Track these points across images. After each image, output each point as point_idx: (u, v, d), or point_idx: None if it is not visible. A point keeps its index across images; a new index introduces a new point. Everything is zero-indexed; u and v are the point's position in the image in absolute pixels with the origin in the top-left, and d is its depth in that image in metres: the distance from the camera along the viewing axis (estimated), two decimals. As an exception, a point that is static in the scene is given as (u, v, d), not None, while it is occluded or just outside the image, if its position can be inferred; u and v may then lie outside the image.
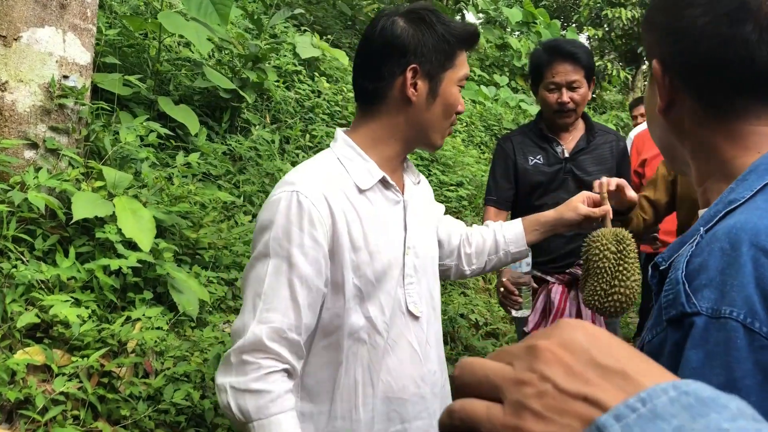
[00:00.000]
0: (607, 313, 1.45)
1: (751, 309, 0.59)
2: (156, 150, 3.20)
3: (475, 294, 4.28)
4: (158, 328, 2.39)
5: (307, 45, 5.45)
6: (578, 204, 1.58)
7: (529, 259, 1.84)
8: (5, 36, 2.62)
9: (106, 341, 2.25)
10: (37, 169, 2.55)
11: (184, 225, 2.94)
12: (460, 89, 1.40)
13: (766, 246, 0.61)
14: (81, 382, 2.12)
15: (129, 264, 2.39)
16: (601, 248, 1.43)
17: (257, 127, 4.31)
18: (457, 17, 9.18)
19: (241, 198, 3.63)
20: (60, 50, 2.73)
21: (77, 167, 2.69)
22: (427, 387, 1.39)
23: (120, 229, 2.43)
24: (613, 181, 1.64)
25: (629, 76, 12.25)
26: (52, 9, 2.70)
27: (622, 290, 1.41)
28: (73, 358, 2.15)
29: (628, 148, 3.29)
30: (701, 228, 0.68)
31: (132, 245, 2.50)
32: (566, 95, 2.38)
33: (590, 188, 1.71)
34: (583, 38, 12.18)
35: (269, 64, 4.74)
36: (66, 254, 2.42)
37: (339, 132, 1.41)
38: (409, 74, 1.32)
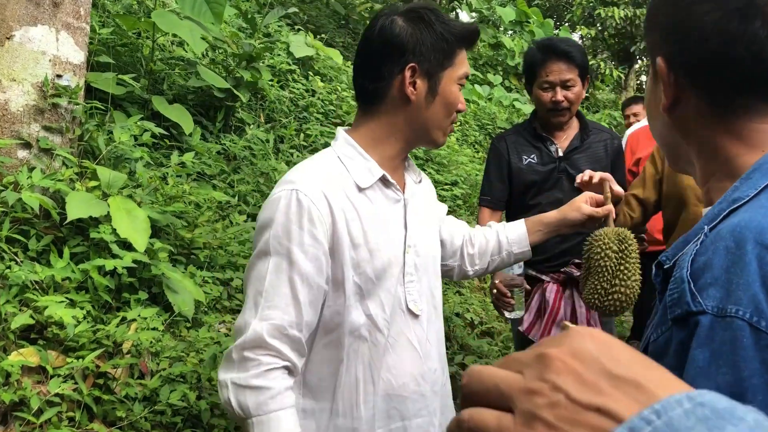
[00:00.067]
0: (607, 312, 1.46)
1: (757, 308, 0.59)
2: (150, 149, 3.18)
3: (470, 293, 4.29)
4: (153, 329, 2.37)
5: (301, 44, 5.44)
6: (581, 204, 1.59)
7: (521, 262, 1.85)
8: (-2, 35, 2.60)
9: (102, 342, 2.24)
10: (31, 169, 2.53)
11: (179, 225, 2.93)
12: (461, 88, 1.40)
13: None
14: (76, 383, 2.11)
15: (124, 264, 2.38)
16: (603, 247, 1.43)
17: (251, 126, 4.30)
18: (451, 16, 9.18)
19: (236, 197, 3.62)
20: (53, 49, 2.71)
21: (71, 167, 2.67)
22: (427, 385, 1.40)
23: (115, 229, 2.42)
24: (597, 175, 1.65)
25: (622, 75, 12.29)
26: (45, 7, 2.68)
27: (622, 289, 1.42)
28: (68, 359, 2.13)
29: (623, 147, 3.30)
30: (705, 226, 0.68)
31: (127, 245, 2.48)
32: (560, 94, 2.38)
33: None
34: (575, 37, 12.21)
35: (263, 63, 4.73)
36: (60, 255, 2.40)
37: (340, 131, 1.42)
38: (407, 73, 1.33)
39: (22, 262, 2.31)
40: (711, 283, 0.62)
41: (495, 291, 2.30)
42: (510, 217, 2.60)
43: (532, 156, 2.48)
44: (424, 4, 1.39)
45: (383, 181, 1.37)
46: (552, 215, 1.63)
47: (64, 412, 2.04)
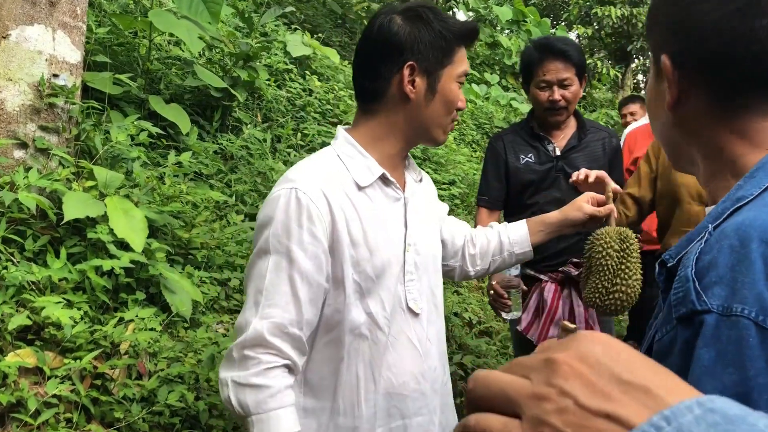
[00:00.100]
0: (607, 312, 1.46)
1: (763, 306, 0.59)
2: (147, 149, 3.17)
3: (469, 293, 4.28)
4: (151, 329, 2.36)
5: (298, 43, 5.43)
6: (583, 203, 1.59)
7: (522, 262, 1.85)
8: (-6, 34, 2.59)
9: (99, 343, 2.23)
10: (27, 169, 2.52)
11: (176, 225, 2.92)
12: (460, 85, 1.40)
13: None
14: (73, 384, 2.10)
15: (121, 264, 2.37)
16: (605, 246, 1.43)
17: (249, 125, 4.29)
18: (448, 15, 9.16)
19: (233, 197, 3.61)
20: (50, 48, 2.70)
21: (68, 167, 2.66)
22: (427, 383, 1.40)
23: (112, 230, 2.41)
24: (592, 174, 1.65)
25: (619, 75, 12.30)
26: (42, 7, 2.67)
27: (623, 288, 1.41)
28: (66, 360, 2.12)
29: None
30: (710, 225, 0.67)
31: (124, 245, 2.47)
32: (557, 93, 2.37)
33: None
34: (572, 36, 12.22)
35: (260, 62, 4.71)
36: (57, 255, 2.39)
37: (340, 130, 1.42)
38: (406, 71, 1.33)
39: (18, 262, 2.30)
40: (716, 282, 0.61)
41: (492, 292, 2.30)
42: (508, 217, 2.59)
43: (529, 155, 2.48)
44: (422, 3, 1.39)
45: (383, 179, 1.37)
46: (554, 215, 1.63)
47: (62, 413, 2.04)
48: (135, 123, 2.94)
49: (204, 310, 2.78)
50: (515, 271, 2.17)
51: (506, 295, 2.26)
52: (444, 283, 4.42)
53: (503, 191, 2.53)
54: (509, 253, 1.64)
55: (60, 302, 2.20)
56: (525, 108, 7.85)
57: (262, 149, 4.14)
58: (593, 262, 1.46)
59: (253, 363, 1.21)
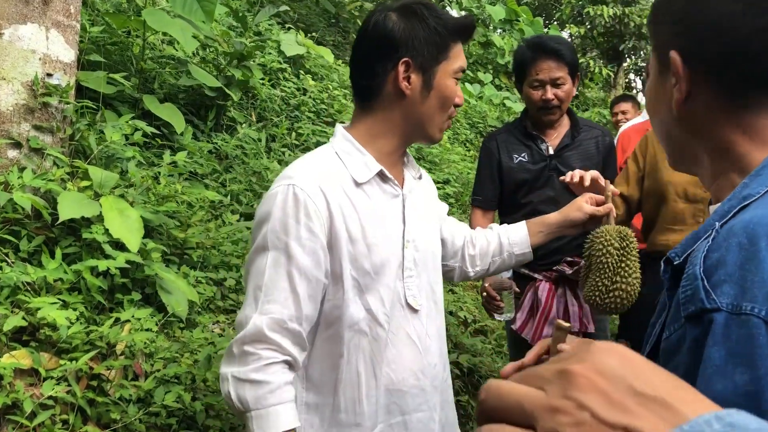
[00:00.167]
0: (607, 310, 1.46)
1: None
2: (141, 149, 3.16)
3: (464, 291, 4.29)
4: (147, 330, 2.35)
5: (292, 42, 5.42)
6: (582, 203, 1.60)
7: (522, 264, 1.85)
8: (-13, 33, 2.57)
9: (95, 343, 2.22)
10: (21, 169, 2.50)
11: (172, 225, 2.91)
12: (457, 81, 1.40)
13: None
14: (69, 385, 2.08)
15: (117, 265, 2.35)
16: (605, 244, 1.43)
17: (243, 125, 4.28)
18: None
19: (228, 197, 3.60)
20: (43, 47, 2.68)
21: (62, 167, 2.64)
22: (427, 380, 1.40)
23: (107, 230, 2.40)
24: (587, 176, 1.65)
25: (611, 74, 12.34)
26: (35, 5, 2.65)
27: (623, 287, 1.42)
28: (61, 362, 2.11)
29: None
30: (716, 223, 0.67)
31: (119, 246, 2.46)
32: (550, 92, 2.38)
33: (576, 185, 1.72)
34: (565, 36, 12.25)
35: (254, 61, 4.70)
36: (52, 255, 2.37)
37: (338, 127, 1.43)
38: (401, 68, 1.33)
39: (13, 263, 2.29)
40: (725, 280, 0.61)
41: (485, 294, 2.31)
42: (502, 216, 2.60)
43: (522, 155, 2.48)
44: (418, 0, 1.38)
45: (381, 176, 1.38)
46: (553, 216, 1.64)
47: (58, 414, 2.02)
48: (129, 122, 2.93)
49: (200, 310, 2.77)
50: (507, 273, 2.17)
51: (498, 297, 2.27)
52: (440, 282, 4.39)
53: (497, 191, 2.54)
54: (509, 254, 1.65)
55: (55, 303, 2.19)
56: (518, 107, 7.87)
57: (256, 149, 4.13)
58: (593, 260, 1.46)
59: (253, 359, 1.22)
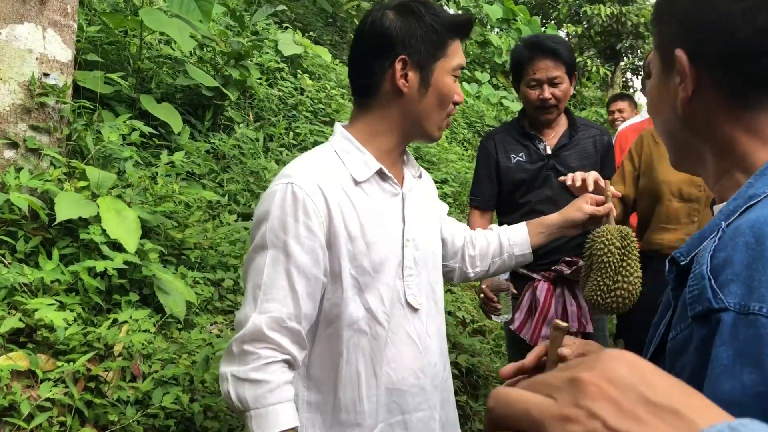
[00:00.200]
0: (609, 310, 1.46)
1: None
2: (138, 149, 3.15)
3: (462, 291, 4.28)
4: (145, 331, 2.35)
5: (290, 42, 5.41)
6: (582, 204, 1.60)
7: (522, 265, 1.85)
8: (-17, 33, 2.55)
9: (92, 345, 2.21)
10: (18, 169, 2.49)
11: (169, 225, 2.90)
12: (455, 79, 1.39)
13: None
14: (67, 387, 2.07)
15: (114, 265, 2.35)
16: (606, 243, 1.43)
17: (241, 125, 4.27)
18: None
19: (226, 197, 3.59)
20: (40, 47, 2.67)
21: (59, 167, 2.63)
22: (427, 379, 1.40)
23: (104, 230, 2.39)
24: (590, 178, 1.65)
25: (608, 73, 12.36)
26: (32, 5, 2.64)
27: (625, 286, 1.42)
28: (59, 363, 2.10)
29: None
30: (723, 222, 0.67)
31: (117, 246, 2.45)
32: (547, 91, 2.37)
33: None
34: (562, 35, 12.26)
35: (252, 61, 4.69)
36: (49, 256, 2.36)
37: (337, 126, 1.43)
38: (398, 66, 1.33)
39: (10, 264, 2.28)
40: (732, 280, 0.60)
41: (482, 295, 2.31)
42: (501, 216, 2.60)
43: (520, 154, 2.48)
44: None
45: (380, 174, 1.38)
46: (553, 217, 1.64)
47: (55, 416, 2.01)
48: (127, 122, 2.92)
49: (198, 311, 2.76)
50: (504, 274, 2.17)
51: (495, 299, 2.27)
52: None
53: (495, 191, 2.53)
54: (509, 254, 1.64)
55: (53, 304, 2.18)
56: (516, 106, 7.87)
57: (254, 148, 4.12)
58: (594, 259, 1.46)
59: (253, 358, 1.22)
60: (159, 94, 3.86)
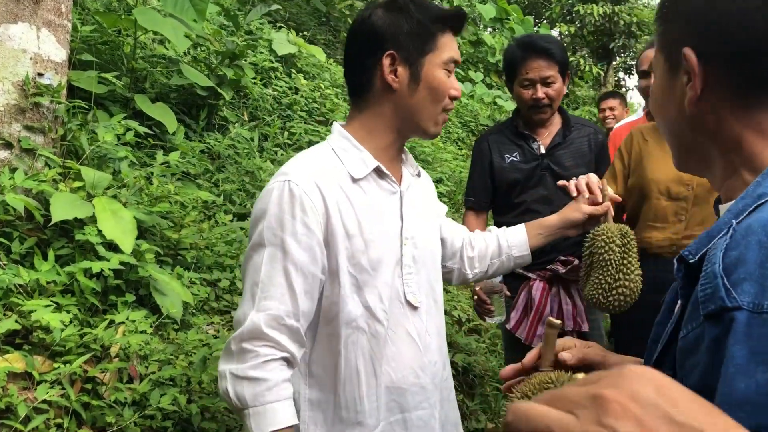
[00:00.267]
0: (610, 308, 1.46)
1: None
2: (133, 149, 3.13)
3: (458, 290, 4.29)
4: (142, 332, 2.33)
5: (284, 41, 5.40)
6: (580, 204, 1.60)
7: (521, 266, 1.85)
8: (-24, 32, 2.53)
9: (89, 346, 2.19)
10: (13, 170, 2.47)
11: (165, 225, 2.89)
12: (449, 73, 1.38)
13: None
14: (64, 389, 2.06)
15: (110, 266, 2.33)
16: (607, 240, 1.44)
17: (235, 124, 4.25)
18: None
19: (221, 197, 3.58)
20: (34, 47, 2.65)
21: (54, 167, 2.61)
22: (427, 377, 1.40)
23: (100, 231, 2.37)
24: (593, 182, 1.65)
25: (601, 72, 12.39)
26: (26, 4, 2.62)
27: (626, 284, 1.42)
28: (55, 365, 2.09)
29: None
30: (733, 221, 0.66)
31: (112, 247, 2.44)
32: (541, 91, 2.38)
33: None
34: (554, 34, 12.28)
35: (246, 60, 4.68)
36: (45, 257, 2.35)
37: (335, 125, 1.44)
38: (386, 61, 1.34)
39: (5, 265, 2.26)
40: (745, 278, 0.60)
41: (475, 297, 2.32)
42: (496, 216, 2.60)
43: (514, 154, 2.49)
44: None
45: (378, 172, 1.38)
46: (552, 219, 1.64)
47: (52, 418, 2.00)
48: (121, 122, 2.91)
49: (194, 311, 2.75)
50: (498, 276, 2.18)
51: (489, 301, 2.28)
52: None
53: (490, 192, 2.54)
54: (507, 256, 1.65)
55: (49, 305, 2.16)
56: (510, 105, 7.88)
57: (249, 148, 4.10)
58: (595, 258, 1.46)
59: (251, 356, 1.22)
60: (153, 94, 3.84)
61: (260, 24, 5.78)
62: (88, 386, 2.14)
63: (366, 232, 1.31)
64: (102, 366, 2.17)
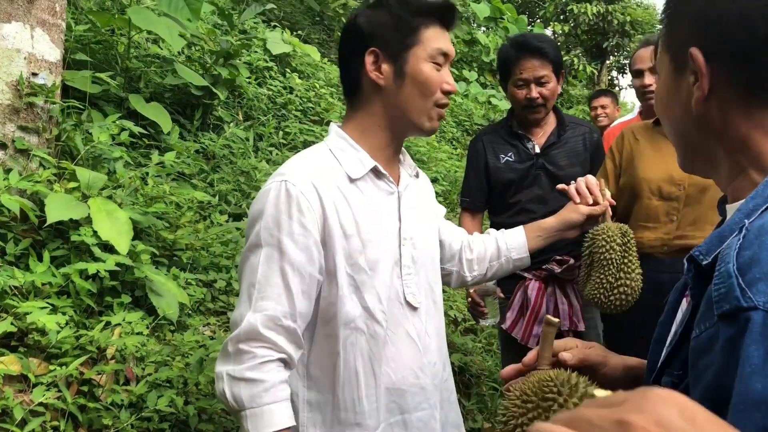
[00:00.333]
0: (612, 308, 1.46)
1: None
2: (128, 149, 3.11)
3: (454, 290, 4.29)
4: (138, 333, 2.32)
5: (278, 41, 5.38)
6: (578, 205, 1.60)
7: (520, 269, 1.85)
8: (-30, 32, 2.51)
9: (85, 348, 2.18)
10: (7, 171, 2.46)
11: (161, 226, 2.88)
12: (438, 67, 1.35)
13: None
14: (60, 391, 2.05)
15: (106, 267, 2.32)
16: (608, 240, 1.43)
17: (230, 124, 4.24)
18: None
19: (216, 197, 3.57)
20: (28, 46, 2.63)
21: (49, 168, 2.60)
22: (427, 378, 1.39)
23: (96, 232, 2.36)
24: (592, 182, 1.64)
25: (595, 71, 12.42)
26: (19, 4, 2.60)
27: (627, 282, 1.42)
28: (51, 367, 2.07)
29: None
30: (746, 220, 0.66)
31: (108, 248, 2.43)
32: (535, 91, 2.38)
33: (564, 182, 1.72)
34: (548, 34, 12.30)
35: (240, 60, 4.66)
36: (40, 258, 2.33)
37: (332, 126, 1.44)
38: (368, 59, 1.34)
39: (0, 266, 2.24)
40: (760, 278, 0.60)
41: (469, 299, 2.32)
42: (492, 216, 2.60)
43: (509, 154, 2.48)
44: None
45: (375, 172, 1.37)
46: (550, 221, 1.64)
47: (48, 421, 1.99)
48: (116, 122, 2.89)
49: (190, 312, 2.74)
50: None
51: (482, 303, 2.28)
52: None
53: (485, 192, 2.54)
54: (506, 258, 1.64)
55: (44, 307, 2.15)
56: (504, 105, 7.89)
57: (244, 148, 4.09)
58: (595, 257, 1.46)
59: (248, 357, 1.21)
60: (148, 94, 3.82)
61: (254, 23, 5.77)
62: (85, 388, 2.13)
63: (363, 231, 1.30)
64: (98, 368, 2.16)
